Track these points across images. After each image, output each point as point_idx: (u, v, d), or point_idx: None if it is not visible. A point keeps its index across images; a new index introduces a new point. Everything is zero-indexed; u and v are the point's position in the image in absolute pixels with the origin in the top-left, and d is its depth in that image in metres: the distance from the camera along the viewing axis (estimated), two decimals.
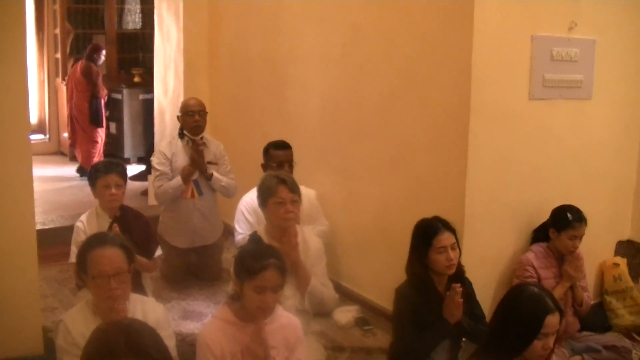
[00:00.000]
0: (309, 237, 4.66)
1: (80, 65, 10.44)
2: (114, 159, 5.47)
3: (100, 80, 10.39)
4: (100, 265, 3.40)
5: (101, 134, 10.50)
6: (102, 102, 10.50)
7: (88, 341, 2.24)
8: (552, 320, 3.15)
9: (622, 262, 5.75)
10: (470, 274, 4.32)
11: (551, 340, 3.18)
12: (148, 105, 11.01)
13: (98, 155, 10.20)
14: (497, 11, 4.70)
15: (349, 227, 6.04)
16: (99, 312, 3.51)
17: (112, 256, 3.44)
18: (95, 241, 3.53)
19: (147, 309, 3.66)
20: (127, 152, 11.42)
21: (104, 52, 10.62)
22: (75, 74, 10.45)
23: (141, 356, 2.10)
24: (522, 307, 3.20)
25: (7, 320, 4.17)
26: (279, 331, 3.58)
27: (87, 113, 10.38)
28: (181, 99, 7.22)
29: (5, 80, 4.06)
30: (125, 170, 5.21)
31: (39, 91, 12.68)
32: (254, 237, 3.85)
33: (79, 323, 3.45)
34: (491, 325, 3.39)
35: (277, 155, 5.68)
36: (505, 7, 4.73)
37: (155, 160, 6.29)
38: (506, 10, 4.74)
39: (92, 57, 10.39)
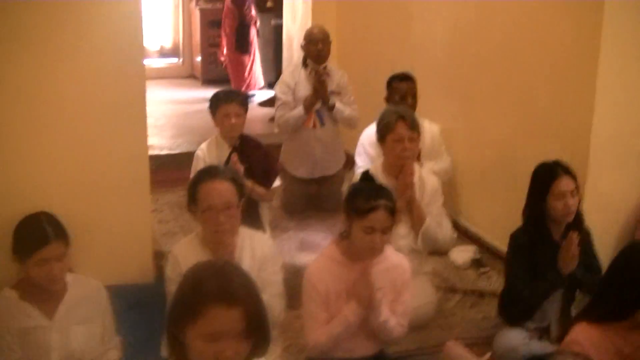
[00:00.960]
0: (426, 175, 4.56)
1: None
2: (235, 90, 5.47)
3: (248, 5, 10.39)
4: (209, 199, 3.44)
5: (247, 60, 10.56)
6: (252, 28, 10.52)
7: (181, 281, 2.26)
8: None
9: None
10: (590, 222, 4.13)
11: None
12: (279, 31, 11.01)
13: (245, 81, 10.38)
14: None
15: (470, 163, 5.91)
16: (208, 245, 3.56)
17: (222, 190, 3.46)
18: (206, 174, 3.56)
19: (255, 243, 3.68)
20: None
21: None
22: (226, 1, 10.55)
23: (230, 299, 2.09)
24: (636, 265, 3.01)
25: (119, 246, 4.27)
26: (387, 272, 3.56)
27: (233, 39, 10.47)
28: (309, 26, 7.14)
29: (120, 7, 4.08)
30: (246, 99, 5.23)
31: (174, 16, 12.84)
32: (366, 175, 3.78)
33: (188, 254, 3.50)
34: (602, 282, 3.22)
35: (400, 88, 5.54)
36: None
37: (278, 89, 6.28)
38: None
39: None
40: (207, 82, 11.72)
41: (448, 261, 5.46)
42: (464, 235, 5.83)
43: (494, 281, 5.19)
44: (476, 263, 5.41)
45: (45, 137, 4.03)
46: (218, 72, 11.42)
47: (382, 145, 4.48)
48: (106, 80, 4.12)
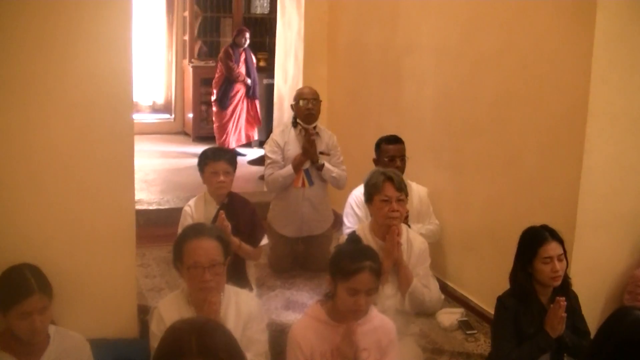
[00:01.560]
0: (414, 237, 4.56)
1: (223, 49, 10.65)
2: (224, 148, 5.50)
3: (235, 61, 10.47)
4: (195, 256, 3.42)
5: (228, 116, 10.60)
6: (237, 85, 10.57)
7: (162, 337, 2.23)
8: None
9: None
10: (577, 286, 4.13)
11: None
12: (271, 90, 11.11)
13: (227, 137, 10.41)
14: (621, 11, 4.46)
15: (457, 226, 5.92)
16: (193, 302, 3.54)
17: (208, 248, 3.45)
18: (192, 231, 3.55)
19: (240, 301, 3.66)
20: (255, 141, 11.51)
21: (247, 34, 10.64)
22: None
23: (210, 357, 2.07)
24: (624, 332, 3.01)
25: (104, 300, 4.23)
26: (372, 333, 3.52)
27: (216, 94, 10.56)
28: (299, 86, 7.21)
29: (111, 63, 4.10)
30: (234, 157, 5.23)
31: (167, 72, 12.97)
32: (352, 237, 3.78)
33: (172, 311, 3.48)
34: (591, 346, 3.23)
35: (389, 150, 5.60)
36: (629, 6, 4.48)
37: (267, 148, 6.32)
38: (630, 9, 4.49)
39: (235, 40, 10.58)
40: (198, 139, 11.83)
41: (435, 323, 5.44)
42: (452, 297, 5.83)
43: (481, 343, 5.17)
44: (463, 325, 5.38)
45: (30, 188, 4.01)
46: (209, 129, 11.50)
47: (369, 206, 4.49)
48: (95, 134, 4.13)
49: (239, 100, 10.66)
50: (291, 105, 6.35)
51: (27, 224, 4.01)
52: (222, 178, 5.02)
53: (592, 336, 4.04)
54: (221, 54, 10.57)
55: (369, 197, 4.43)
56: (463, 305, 5.73)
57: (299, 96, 6.27)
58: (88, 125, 4.11)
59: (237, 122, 10.66)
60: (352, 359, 3.38)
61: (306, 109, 6.15)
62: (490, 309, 5.32)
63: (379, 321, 3.61)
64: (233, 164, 5.13)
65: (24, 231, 4.00)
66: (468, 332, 5.33)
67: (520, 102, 5.13)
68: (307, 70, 7.97)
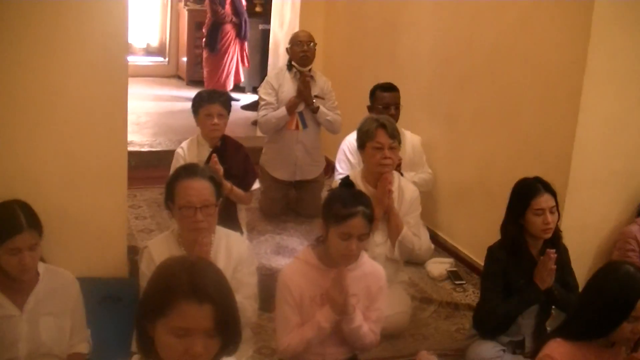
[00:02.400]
0: (405, 185, 4.56)
1: None
2: (219, 90, 5.46)
3: (221, 2, 10.33)
4: (187, 197, 3.41)
5: (218, 60, 10.49)
6: (225, 27, 10.44)
7: (152, 274, 2.24)
8: None
9: None
10: (568, 240, 4.14)
11: None
12: (266, 36, 10.99)
13: (216, 83, 10.29)
14: None
15: (450, 177, 5.92)
16: (184, 243, 3.54)
17: (201, 188, 3.44)
18: (184, 172, 3.53)
19: (231, 243, 3.65)
20: (243, 81, 11.43)
21: None
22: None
23: (201, 295, 2.06)
24: (614, 286, 3.03)
25: (94, 239, 4.22)
26: (362, 279, 3.53)
27: (205, 38, 10.45)
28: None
29: (106, 2, 4.05)
30: (229, 100, 5.20)
31: (162, 15, 12.79)
32: (345, 182, 3.77)
33: (162, 251, 3.46)
34: (580, 300, 3.24)
35: (383, 97, 5.57)
36: None
37: (262, 90, 6.29)
38: None
39: None
40: (192, 82, 11.70)
41: (424, 272, 5.47)
42: (442, 247, 5.84)
43: (470, 294, 5.20)
44: (452, 275, 5.40)
45: (22, 125, 3.98)
46: (203, 73, 11.36)
47: (361, 153, 4.47)
48: (88, 73, 4.08)
49: (229, 43, 10.53)
50: (286, 49, 6.31)
51: (17, 160, 3.99)
52: (216, 120, 4.99)
53: (580, 290, 4.08)
54: (207, 2, 10.42)
55: (362, 143, 4.41)
56: (453, 256, 5.74)
57: (294, 39, 6.24)
58: (81, 63, 4.06)
59: (229, 63, 10.56)
60: (342, 303, 3.37)
61: (301, 52, 6.12)
62: (480, 260, 5.34)
63: (369, 267, 3.62)
64: (227, 107, 5.09)
65: (14, 167, 3.97)
66: (457, 282, 5.35)
67: (518, 56, 5.09)
68: (304, 17, 7.87)
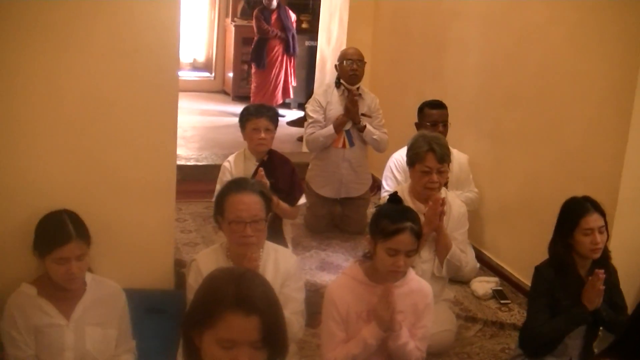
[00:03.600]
0: (453, 201, 4.53)
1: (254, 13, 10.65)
2: (266, 104, 5.47)
3: (266, 18, 10.43)
4: (237, 211, 3.42)
5: (262, 76, 10.57)
6: (271, 43, 10.52)
7: (200, 285, 2.24)
8: None
9: None
10: (616, 261, 4.07)
11: None
12: (312, 52, 11.04)
13: (262, 98, 10.32)
14: None
15: (495, 195, 5.86)
16: (232, 257, 3.55)
17: (251, 202, 3.44)
18: (235, 186, 3.54)
19: (279, 258, 3.65)
20: (292, 99, 11.48)
21: None
22: None
23: (248, 307, 2.06)
24: None
25: (141, 251, 4.23)
26: (408, 296, 3.51)
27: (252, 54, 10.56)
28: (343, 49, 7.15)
29: (159, 15, 4.07)
30: (276, 114, 5.21)
31: (209, 30, 12.90)
32: (394, 197, 3.75)
33: (211, 264, 3.47)
34: (632, 320, 3.18)
35: (432, 115, 5.54)
36: None
37: (309, 107, 6.28)
38: None
39: (264, 2, 10.54)
40: (238, 97, 11.78)
41: (469, 291, 5.41)
42: (487, 266, 5.78)
43: (515, 313, 5.13)
44: (497, 294, 5.34)
45: (73, 135, 4.01)
46: (249, 89, 11.43)
47: (410, 171, 4.46)
48: (139, 84, 4.11)
49: (277, 58, 10.61)
50: (335, 66, 6.29)
51: (67, 170, 4.02)
52: (263, 135, 5.00)
53: (629, 312, 4.03)
54: (253, 19, 10.55)
55: (411, 162, 4.41)
56: (498, 275, 5.67)
57: (343, 56, 6.21)
58: (133, 75, 4.09)
59: (277, 79, 10.62)
60: (388, 320, 3.35)
61: (350, 70, 6.09)
62: (525, 279, 5.32)
63: (416, 284, 3.60)
64: (274, 121, 5.10)
65: (64, 177, 4.01)
66: (502, 301, 5.28)
67: (566, 74, 5.03)
68: (352, 33, 7.88)
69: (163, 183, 4.27)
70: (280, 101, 10.63)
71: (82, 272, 3.38)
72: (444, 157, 4.33)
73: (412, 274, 3.60)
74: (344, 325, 3.46)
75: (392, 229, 3.35)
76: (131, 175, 4.18)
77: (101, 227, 3.59)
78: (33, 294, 3.39)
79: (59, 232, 3.31)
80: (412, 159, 4.37)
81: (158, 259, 4.34)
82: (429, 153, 4.30)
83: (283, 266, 3.62)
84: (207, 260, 3.57)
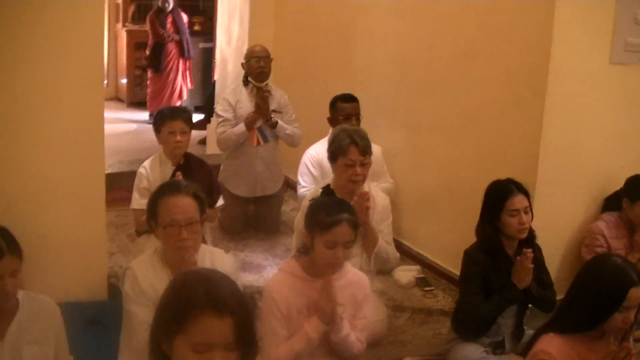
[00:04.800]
0: (376, 194, 4.55)
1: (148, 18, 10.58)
2: (180, 107, 5.41)
3: (161, 22, 10.33)
4: (172, 214, 3.34)
5: (159, 80, 10.46)
6: (168, 47, 10.41)
7: (166, 290, 2.20)
8: (636, 293, 3.05)
9: None
10: (539, 240, 4.19)
11: (632, 314, 3.09)
12: (207, 54, 10.99)
13: (160, 102, 10.20)
14: None
15: (413, 185, 5.94)
16: (168, 262, 3.46)
17: (185, 205, 3.37)
18: (167, 189, 3.47)
19: (216, 260, 3.60)
20: (185, 101, 11.38)
21: None
22: None
23: (220, 309, 2.04)
24: (605, 278, 3.11)
25: (73, 263, 4.11)
26: (347, 287, 3.53)
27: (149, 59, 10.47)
28: (245, 48, 7.12)
29: (83, 20, 3.98)
30: (191, 117, 5.15)
31: None
32: (327, 190, 3.76)
33: (147, 272, 3.41)
34: (570, 294, 3.28)
35: (344, 108, 5.57)
36: None
37: (219, 107, 6.24)
38: None
39: (159, 6, 10.48)
40: (133, 104, 11.59)
41: (392, 281, 5.47)
42: (406, 255, 5.83)
43: (440, 299, 5.23)
44: (421, 282, 5.42)
45: None
46: (143, 95, 11.27)
47: (332, 166, 4.45)
48: (66, 92, 3.99)
49: (173, 62, 10.52)
50: (242, 64, 6.27)
51: None
52: (179, 137, 4.93)
53: (554, 288, 4.15)
54: (147, 22, 10.46)
55: (333, 157, 4.39)
56: (418, 263, 5.76)
57: (250, 54, 6.20)
58: (58, 81, 3.96)
59: (174, 83, 10.52)
60: (329, 313, 3.37)
61: (258, 67, 6.09)
62: (446, 265, 5.43)
63: (354, 276, 3.63)
64: (190, 123, 5.05)
65: None
66: (426, 288, 5.37)
67: (479, 60, 5.14)
68: (253, 32, 7.84)
69: (92, 192, 4.15)
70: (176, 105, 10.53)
71: (15, 289, 3.24)
72: (367, 149, 4.34)
73: (348, 266, 3.62)
74: (285, 322, 3.44)
75: (329, 221, 3.36)
76: (59, 185, 4.04)
77: (31, 241, 3.46)
78: None
79: None
80: (335, 153, 4.37)
81: (91, 269, 4.21)
82: (351, 146, 4.31)
83: (220, 268, 3.52)
84: (142, 267, 3.48)
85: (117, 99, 12.33)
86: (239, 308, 2.09)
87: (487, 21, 5.04)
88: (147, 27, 10.49)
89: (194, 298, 2.06)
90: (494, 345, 4.07)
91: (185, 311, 2.05)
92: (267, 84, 6.16)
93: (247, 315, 2.12)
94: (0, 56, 3.81)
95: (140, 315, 3.32)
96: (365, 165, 4.34)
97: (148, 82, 10.69)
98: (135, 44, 11.60)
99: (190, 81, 10.80)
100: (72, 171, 4.08)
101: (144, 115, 10.61)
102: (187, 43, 10.56)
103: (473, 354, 4.01)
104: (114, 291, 4.14)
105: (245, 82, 6.18)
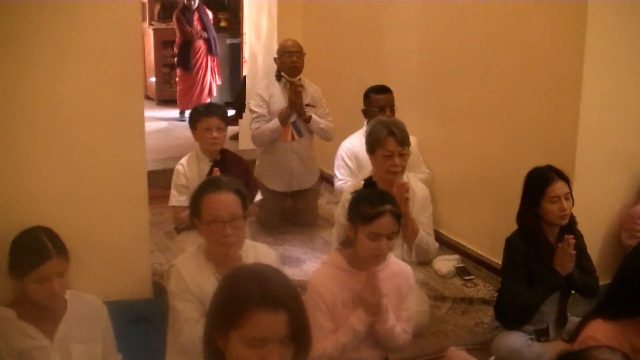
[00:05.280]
0: (415, 185, 4.55)
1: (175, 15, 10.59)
2: (215, 103, 5.42)
3: (188, 20, 10.36)
4: (215, 211, 3.34)
5: (188, 78, 10.51)
6: (196, 44, 10.44)
7: (219, 286, 2.21)
8: None
9: None
10: (579, 226, 4.17)
11: None
12: (234, 50, 10.99)
13: (190, 100, 10.25)
14: None
15: (448, 174, 5.93)
16: (212, 258, 3.47)
17: (228, 201, 3.38)
18: (210, 186, 3.47)
19: (260, 254, 3.60)
20: (215, 97, 11.40)
21: None
22: None
23: (274, 303, 2.05)
24: None
25: (117, 262, 4.16)
26: (391, 279, 3.52)
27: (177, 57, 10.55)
28: (275, 43, 7.13)
29: (120, 22, 4.01)
30: (226, 113, 5.17)
31: None
32: (369, 182, 3.75)
33: (192, 269, 3.43)
34: (617, 278, 3.25)
35: (378, 100, 5.57)
36: None
37: (252, 102, 6.25)
38: None
39: (185, 3, 10.47)
40: (162, 102, 11.61)
41: (432, 271, 5.47)
42: (445, 245, 5.82)
43: (481, 288, 5.22)
44: (460, 272, 5.41)
45: (42, 148, 3.90)
46: (172, 92, 11.32)
47: (371, 158, 4.45)
48: (105, 92, 4.02)
49: (201, 59, 10.54)
50: (274, 59, 6.28)
51: (37, 185, 3.89)
52: (215, 134, 4.96)
53: (596, 274, 4.13)
54: (174, 20, 10.49)
55: (371, 149, 4.39)
56: (457, 252, 5.75)
57: (282, 49, 6.20)
58: (97, 81, 4.00)
59: (203, 80, 10.55)
60: (375, 305, 3.37)
61: (291, 62, 6.10)
62: (486, 253, 5.41)
63: (397, 267, 3.63)
64: (225, 119, 5.07)
65: (33, 193, 3.88)
66: (466, 277, 5.36)
67: (511, 46, 5.11)
68: (282, 26, 7.88)
69: (134, 191, 4.19)
70: (206, 102, 10.55)
71: (64, 290, 3.28)
72: (404, 140, 4.34)
73: (392, 257, 3.61)
74: (330, 315, 3.44)
75: (372, 213, 3.35)
76: (101, 185, 4.09)
77: (76, 241, 3.47)
78: (13, 317, 3.26)
79: (37, 250, 3.19)
80: (373, 145, 4.37)
81: (135, 268, 4.26)
82: (389, 137, 4.30)
83: (265, 262, 3.55)
84: (187, 264, 3.49)
85: (147, 97, 12.34)
86: (293, 302, 2.10)
87: (519, 5, 5.00)
88: (173, 25, 10.51)
89: (248, 293, 2.07)
90: (538, 333, 4.07)
91: (239, 307, 2.06)
92: (299, 79, 6.17)
93: (300, 309, 2.13)
94: (43, 59, 3.85)
95: (186, 311, 3.34)
96: (404, 155, 4.34)
97: (177, 79, 10.73)
98: (162, 42, 11.63)
99: (219, 77, 10.82)
100: (114, 168, 4.13)
101: (174, 112, 10.66)
102: (214, 40, 10.58)
103: (517, 342, 4.01)
104: (158, 289, 4.16)
105: (278, 77, 6.19)
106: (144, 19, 12.13)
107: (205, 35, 10.44)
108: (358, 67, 7.10)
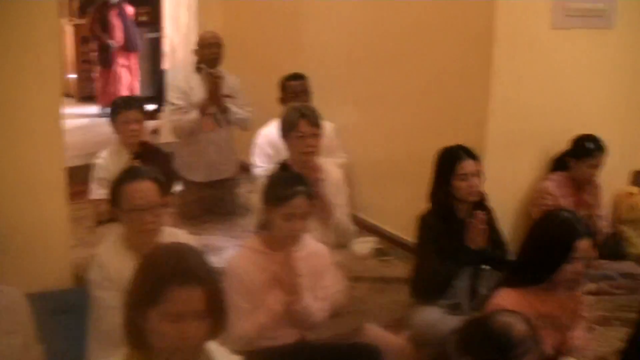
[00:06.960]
0: (329, 168, 4.66)
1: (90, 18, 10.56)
2: (134, 96, 5.45)
3: (94, 29, 10.41)
4: (134, 199, 3.39)
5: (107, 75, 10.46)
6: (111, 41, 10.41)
7: (138, 267, 2.28)
8: (583, 244, 3.22)
9: (637, 191, 5.79)
10: (490, 202, 4.34)
11: (582, 265, 3.24)
12: (155, 45, 10.95)
13: (110, 97, 10.12)
14: None
15: (365, 158, 6.05)
16: (133, 247, 3.49)
17: (146, 189, 3.43)
18: (129, 175, 3.52)
19: (179, 240, 3.65)
20: (136, 93, 11.33)
21: None
22: None
23: (191, 278, 2.14)
24: (554, 231, 3.29)
25: (38, 253, 4.16)
26: (307, 259, 3.61)
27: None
28: (194, 35, 7.16)
29: (37, 17, 4.02)
30: (144, 105, 5.19)
31: None
32: (284, 166, 3.85)
33: (113, 258, 3.46)
34: (521, 251, 3.44)
35: (292, 86, 5.70)
36: None
37: (171, 95, 6.28)
38: None
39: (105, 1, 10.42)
40: (84, 99, 11.49)
41: (349, 252, 5.55)
42: (362, 228, 5.91)
43: (398, 267, 5.36)
44: (378, 252, 5.55)
45: None
46: (92, 89, 11.22)
47: (286, 142, 4.55)
48: (22, 92, 4.04)
49: (121, 55, 10.55)
50: (194, 51, 6.33)
51: None
52: (133, 126, 5.00)
53: (508, 247, 4.30)
54: (89, 25, 10.51)
55: (285, 133, 4.49)
56: (375, 234, 5.89)
57: (202, 41, 6.26)
58: (15, 74, 4.01)
59: (122, 76, 10.51)
60: (291, 284, 3.47)
61: (211, 53, 6.17)
62: (402, 234, 5.52)
63: (313, 247, 3.72)
64: (143, 112, 5.12)
65: None
66: (383, 258, 5.51)
67: (425, 33, 5.28)
68: (202, 18, 7.91)
69: (52, 182, 4.20)
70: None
71: None
72: (316, 121, 4.45)
73: (307, 237, 3.71)
74: (248, 297, 3.51)
75: (285, 194, 3.45)
76: (18, 180, 4.08)
77: None
78: None
79: None
80: (286, 129, 4.47)
81: (56, 259, 4.26)
82: (301, 119, 4.41)
83: None
84: (107, 253, 3.52)
85: (67, 94, 12.19)
86: (208, 277, 2.20)
87: None
88: (89, 23, 10.45)
89: (164, 270, 2.16)
90: (451, 307, 4.19)
91: (157, 283, 2.15)
92: (218, 69, 6.22)
93: (216, 284, 2.23)
94: None
95: (107, 300, 3.36)
96: (316, 136, 4.45)
97: (97, 76, 10.65)
98: (83, 38, 11.51)
99: (139, 72, 10.78)
100: (32, 166, 4.13)
101: (95, 109, 10.60)
102: (133, 36, 10.54)
103: (434, 315, 4.11)
104: (80, 281, 4.17)
105: (198, 69, 6.24)
106: (62, 15, 12.00)
107: (115, 44, 10.43)
108: (277, 57, 7.17)
